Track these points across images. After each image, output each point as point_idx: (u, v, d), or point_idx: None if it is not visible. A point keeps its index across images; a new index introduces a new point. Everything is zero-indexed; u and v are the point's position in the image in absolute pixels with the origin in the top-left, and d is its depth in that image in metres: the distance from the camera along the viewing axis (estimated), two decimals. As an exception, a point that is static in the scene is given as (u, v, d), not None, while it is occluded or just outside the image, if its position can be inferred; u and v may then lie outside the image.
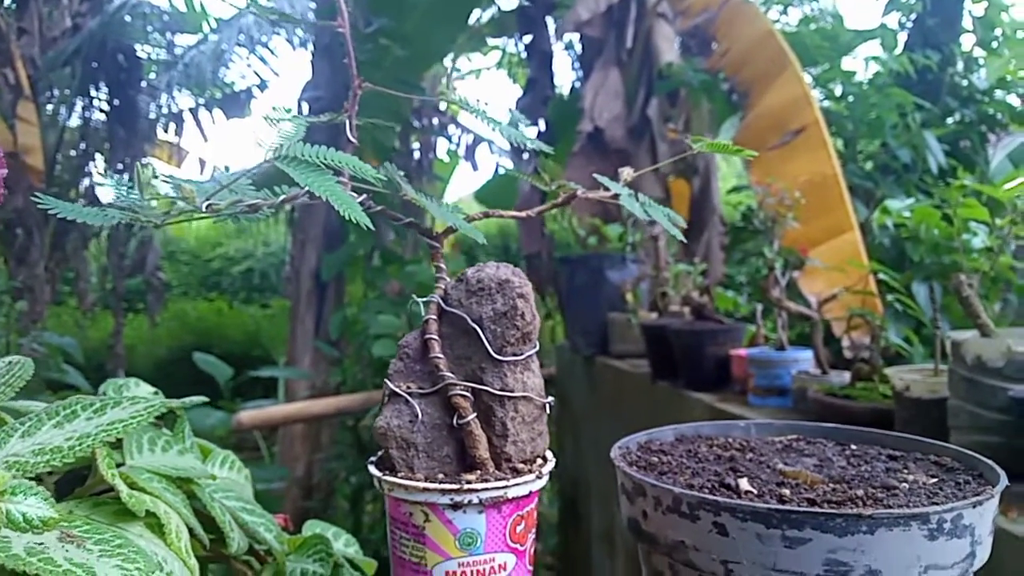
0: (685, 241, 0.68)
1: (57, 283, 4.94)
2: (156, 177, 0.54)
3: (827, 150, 2.70)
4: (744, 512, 0.48)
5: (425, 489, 0.54)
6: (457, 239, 5.59)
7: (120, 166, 4.61)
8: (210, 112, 5.18)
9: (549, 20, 4.52)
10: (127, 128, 4.72)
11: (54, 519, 0.44)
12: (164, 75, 4.95)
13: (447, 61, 5.62)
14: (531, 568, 0.58)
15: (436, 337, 0.59)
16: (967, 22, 3.37)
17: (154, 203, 0.54)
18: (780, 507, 0.48)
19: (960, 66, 3.28)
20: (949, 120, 3.19)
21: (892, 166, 2.95)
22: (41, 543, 0.43)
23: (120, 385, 0.74)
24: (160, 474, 0.59)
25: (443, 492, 0.54)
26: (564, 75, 6.00)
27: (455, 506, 0.54)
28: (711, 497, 0.50)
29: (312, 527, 0.80)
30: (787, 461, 0.62)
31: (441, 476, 0.57)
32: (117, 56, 4.62)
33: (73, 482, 0.59)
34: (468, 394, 0.58)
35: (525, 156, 4.68)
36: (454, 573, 0.54)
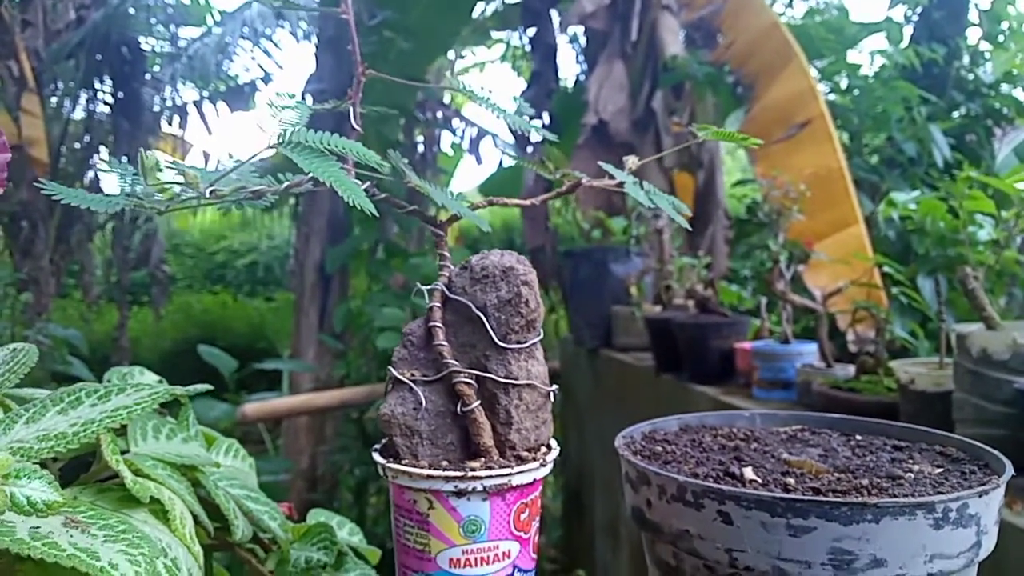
0: (690, 229, 0.68)
1: (62, 276, 4.95)
2: (159, 167, 0.54)
3: (832, 143, 2.70)
4: (749, 500, 0.48)
5: (429, 476, 0.54)
6: (462, 231, 5.59)
7: (124, 159, 4.62)
8: (214, 105, 5.18)
9: (553, 13, 4.51)
10: (131, 121, 4.73)
11: (58, 502, 0.44)
12: (168, 68, 4.95)
13: (451, 54, 5.62)
14: (535, 556, 0.58)
15: (440, 325, 0.58)
16: (973, 15, 3.36)
17: (157, 191, 0.54)
18: (785, 495, 0.48)
19: (966, 60, 3.27)
20: (955, 114, 3.18)
21: (898, 160, 2.94)
22: (46, 528, 0.43)
23: (124, 373, 0.75)
24: (164, 461, 0.59)
25: (447, 479, 0.54)
26: (568, 68, 6.00)
27: (459, 493, 0.54)
28: (715, 486, 0.50)
29: (316, 516, 0.80)
30: (792, 451, 0.62)
31: (445, 463, 0.56)
32: (121, 49, 4.63)
33: (78, 469, 0.59)
34: (472, 382, 0.57)
35: (529, 150, 4.67)
36: (458, 560, 0.54)
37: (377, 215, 0.52)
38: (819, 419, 0.71)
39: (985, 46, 3.32)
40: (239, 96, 5.19)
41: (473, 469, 0.54)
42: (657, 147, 3.63)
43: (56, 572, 0.43)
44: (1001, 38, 3.31)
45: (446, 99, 5.47)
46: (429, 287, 0.60)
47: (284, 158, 0.53)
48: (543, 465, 0.57)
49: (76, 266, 5.24)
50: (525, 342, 0.58)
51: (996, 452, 0.57)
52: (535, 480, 0.57)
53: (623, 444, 0.61)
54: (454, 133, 5.51)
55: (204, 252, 8.41)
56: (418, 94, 4.67)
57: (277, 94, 0.59)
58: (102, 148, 4.97)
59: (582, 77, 4.65)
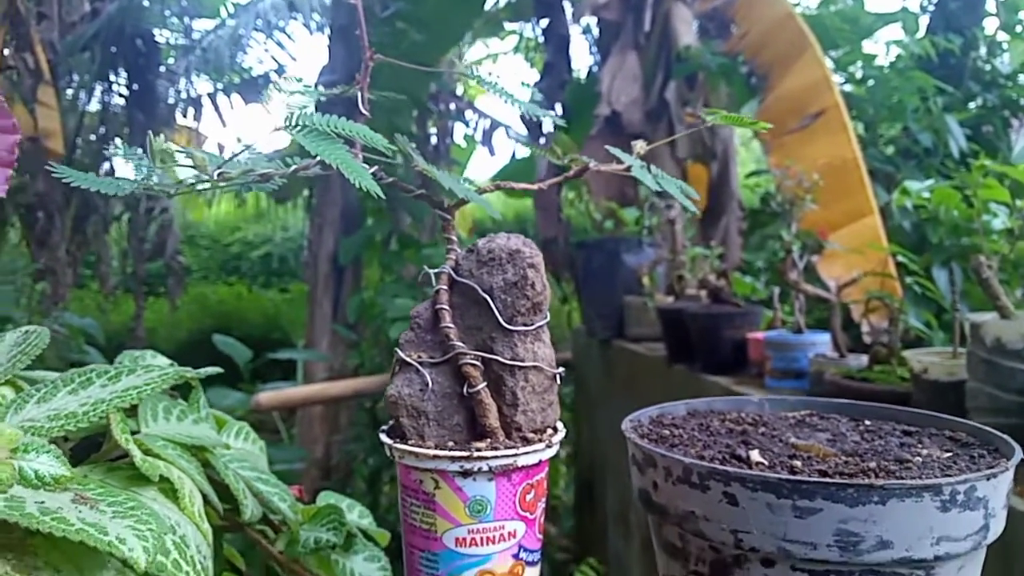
0: (699, 214, 0.68)
1: (79, 266, 4.99)
2: (168, 151, 0.54)
3: (847, 134, 2.68)
4: (754, 482, 0.48)
5: (435, 456, 0.54)
6: (475, 222, 5.60)
7: (139, 149, 4.65)
8: (228, 97, 5.20)
9: (566, 4, 4.49)
10: (146, 113, 4.75)
11: (66, 476, 0.45)
12: (182, 60, 4.98)
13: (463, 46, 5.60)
14: (540, 536, 0.59)
15: (447, 307, 0.59)
16: (990, 5, 3.33)
17: (167, 176, 0.54)
18: (791, 477, 0.48)
19: (983, 50, 3.23)
20: (971, 104, 3.15)
21: (913, 150, 2.91)
22: (55, 504, 0.43)
23: (136, 356, 0.75)
24: (174, 441, 0.60)
25: (453, 459, 0.54)
26: (581, 59, 5.97)
27: (465, 473, 0.54)
28: (721, 467, 0.50)
29: (326, 498, 0.80)
30: (800, 435, 0.62)
31: (451, 444, 0.57)
32: (136, 41, 4.65)
33: (88, 449, 0.59)
34: (478, 363, 0.58)
35: (542, 141, 4.67)
36: (464, 540, 0.55)
37: (384, 197, 0.53)
38: (828, 404, 0.70)
39: (1002, 36, 3.28)
40: (253, 88, 5.21)
41: (479, 449, 0.55)
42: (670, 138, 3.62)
43: (65, 547, 0.43)
44: (1019, 28, 3.28)
45: (459, 91, 5.46)
46: (436, 270, 0.60)
47: (295, 146, 0.53)
48: (549, 446, 0.58)
49: (92, 257, 5.28)
50: (531, 324, 0.59)
51: (1006, 436, 0.56)
52: (541, 461, 0.57)
53: (630, 427, 0.61)
54: (467, 125, 5.51)
55: (219, 244, 8.45)
56: (431, 85, 4.67)
57: (285, 78, 0.59)
58: (117, 140, 5.00)
59: (595, 68, 4.63)
